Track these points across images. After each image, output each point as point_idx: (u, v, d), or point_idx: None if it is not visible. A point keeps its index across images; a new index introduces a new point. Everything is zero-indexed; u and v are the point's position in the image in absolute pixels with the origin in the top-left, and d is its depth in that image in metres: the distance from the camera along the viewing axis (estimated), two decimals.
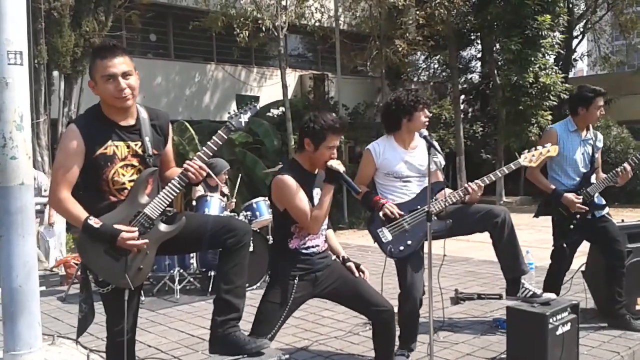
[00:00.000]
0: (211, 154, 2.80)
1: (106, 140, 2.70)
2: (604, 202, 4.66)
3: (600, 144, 4.77)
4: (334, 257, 3.52)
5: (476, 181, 3.87)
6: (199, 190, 6.74)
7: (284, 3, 13.02)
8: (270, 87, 15.90)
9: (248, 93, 15.66)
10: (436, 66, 20.41)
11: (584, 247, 4.89)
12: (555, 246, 4.74)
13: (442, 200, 3.82)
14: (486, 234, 3.88)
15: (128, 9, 11.10)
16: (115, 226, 2.63)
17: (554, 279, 4.74)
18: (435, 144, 3.70)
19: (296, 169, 3.28)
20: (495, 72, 16.38)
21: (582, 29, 21.21)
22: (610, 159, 14.59)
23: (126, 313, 2.74)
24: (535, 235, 8.71)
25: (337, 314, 5.23)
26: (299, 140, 3.35)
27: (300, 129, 3.36)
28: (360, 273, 3.47)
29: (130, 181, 2.74)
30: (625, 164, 4.55)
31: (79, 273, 3.67)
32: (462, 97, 19.55)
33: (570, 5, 19.04)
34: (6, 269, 3.72)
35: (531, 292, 3.82)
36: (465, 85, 20.42)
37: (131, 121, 2.78)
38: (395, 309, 3.62)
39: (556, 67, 16.11)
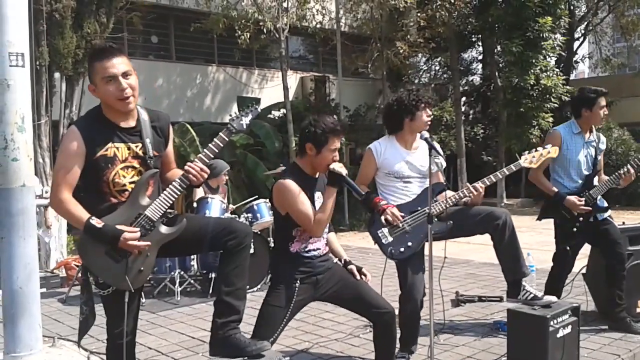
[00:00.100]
0: (212, 156, 2.81)
1: (107, 142, 2.70)
2: (606, 204, 4.65)
3: (603, 146, 4.76)
4: (335, 260, 3.53)
5: (477, 183, 3.86)
6: (200, 192, 6.74)
7: (285, 5, 13.02)
8: (272, 89, 15.91)
9: (249, 95, 15.66)
10: (437, 68, 20.41)
11: (585, 249, 4.89)
12: (557, 249, 4.74)
13: (442, 201, 3.81)
14: (487, 236, 3.87)
15: (129, 10, 11.11)
16: (118, 227, 2.63)
17: (555, 282, 4.73)
18: (437, 146, 3.70)
19: (297, 173, 3.29)
20: (497, 74, 16.38)
21: (583, 31, 21.20)
22: (612, 161, 14.58)
23: (126, 315, 2.74)
24: (536, 238, 8.70)
25: (338, 316, 5.23)
26: (299, 145, 3.35)
27: (300, 133, 3.36)
28: (362, 276, 3.47)
29: (131, 183, 2.74)
30: (628, 166, 4.54)
31: (79, 275, 3.67)
32: (463, 99, 19.54)
33: (572, 8, 19.04)
34: (7, 270, 3.72)
35: (532, 295, 3.81)
36: (466, 87, 20.41)
37: (132, 123, 2.78)
38: (396, 311, 3.62)
39: (557, 69, 16.11)
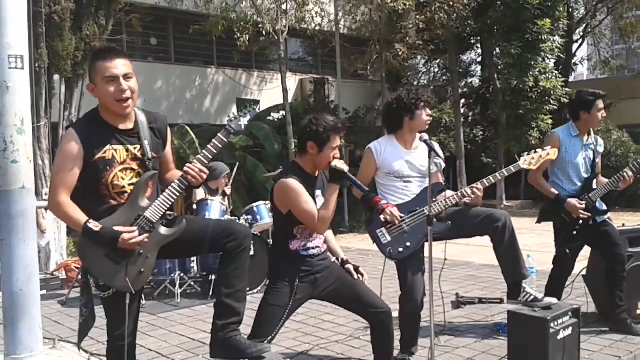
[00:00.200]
0: (211, 157, 2.81)
1: (105, 144, 2.70)
2: (604, 207, 4.65)
3: (601, 149, 4.77)
4: (333, 258, 3.53)
5: (476, 183, 3.86)
6: (200, 193, 6.73)
7: (284, 7, 13.04)
8: (271, 91, 15.92)
9: (248, 97, 15.68)
10: (436, 70, 20.43)
11: (586, 251, 4.89)
12: (557, 252, 4.74)
13: (442, 201, 3.81)
14: (487, 238, 3.87)
15: (129, 13, 11.10)
16: (115, 228, 2.63)
17: (555, 284, 4.73)
18: (437, 147, 3.70)
19: (297, 172, 3.29)
20: (496, 76, 16.40)
21: (582, 33, 21.23)
22: (611, 162, 14.59)
23: (127, 317, 2.74)
24: (536, 239, 8.70)
25: (338, 318, 5.22)
26: (300, 144, 3.35)
27: (301, 132, 3.36)
28: (359, 276, 3.48)
29: (129, 184, 2.74)
30: (627, 169, 4.54)
31: (79, 277, 3.66)
32: (463, 101, 19.56)
33: (570, 10, 19.05)
34: (7, 272, 3.72)
35: (532, 297, 3.81)
36: (465, 89, 20.43)
37: (130, 125, 2.78)
38: (396, 313, 3.61)
39: (556, 71, 16.13)
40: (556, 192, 4.56)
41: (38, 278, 3.97)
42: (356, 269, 3.50)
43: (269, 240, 6.57)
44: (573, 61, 20.98)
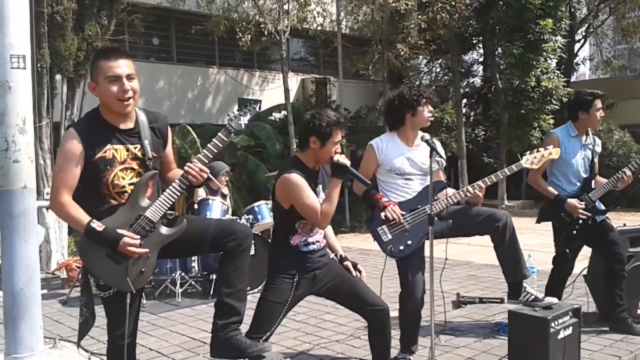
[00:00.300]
0: (212, 157, 2.81)
1: (105, 144, 2.71)
2: (603, 207, 4.65)
3: (599, 149, 4.78)
4: (332, 255, 3.54)
5: (477, 182, 3.86)
6: (201, 193, 6.74)
7: (286, 7, 13.04)
8: (273, 91, 15.92)
9: (250, 97, 15.68)
10: (438, 70, 20.40)
11: (586, 251, 4.89)
12: (557, 252, 4.74)
13: (443, 200, 3.81)
14: (487, 238, 3.87)
15: (130, 13, 11.11)
16: (118, 230, 2.63)
17: (555, 284, 4.74)
18: (438, 145, 3.70)
19: (299, 167, 3.29)
20: (497, 76, 16.38)
21: (584, 33, 21.18)
22: (612, 162, 14.58)
23: (127, 316, 2.74)
24: (537, 239, 8.68)
25: (339, 318, 5.23)
26: (302, 139, 3.35)
27: (303, 127, 3.35)
28: (357, 272, 3.49)
29: (130, 184, 2.74)
30: (626, 169, 4.55)
31: (80, 277, 3.67)
32: (464, 100, 19.54)
33: (572, 10, 19.02)
34: (8, 272, 3.73)
35: (533, 296, 3.81)
36: (467, 89, 20.40)
37: (130, 124, 2.79)
38: (396, 312, 3.62)
39: (558, 71, 16.09)
40: (556, 192, 4.56)
41: (39, 278, 3.98)
42: (354, 265, 3.51)
43: (269, 240, 6.57)
44: (575, 61, 20.94)
